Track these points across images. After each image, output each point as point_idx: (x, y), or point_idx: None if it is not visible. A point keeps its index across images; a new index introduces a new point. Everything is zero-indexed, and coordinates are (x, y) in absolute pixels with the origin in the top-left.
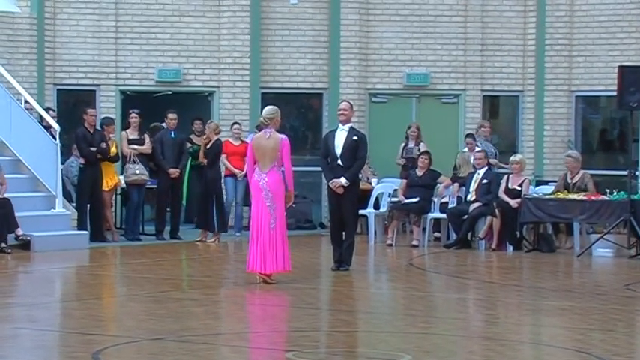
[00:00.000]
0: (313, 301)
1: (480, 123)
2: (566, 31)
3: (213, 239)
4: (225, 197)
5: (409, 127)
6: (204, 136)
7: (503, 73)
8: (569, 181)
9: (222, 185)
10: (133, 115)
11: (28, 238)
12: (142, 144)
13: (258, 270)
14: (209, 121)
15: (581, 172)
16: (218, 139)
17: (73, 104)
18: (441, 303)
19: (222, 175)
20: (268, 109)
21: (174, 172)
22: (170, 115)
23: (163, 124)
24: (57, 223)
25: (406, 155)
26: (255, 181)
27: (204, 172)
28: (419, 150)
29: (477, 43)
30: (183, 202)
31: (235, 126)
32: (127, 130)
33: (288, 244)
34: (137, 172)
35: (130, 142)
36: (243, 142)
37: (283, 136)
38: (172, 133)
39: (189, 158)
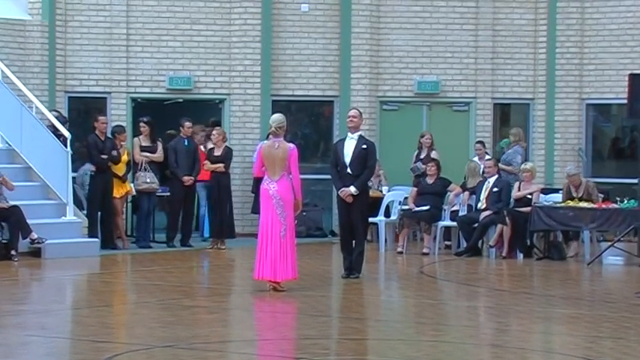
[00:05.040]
0: (323, 309)
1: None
2: (577, 39)
3: (224, 246)
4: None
5: (422, 136)
6: (211, 142)
7: (514, 81)
8: (575, 195)
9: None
10: (142, 124)
11: (44, 240)
12: (154, 151)
13: (269, 278)
14: (215, 127)
15: (583, 181)
16: (227, 146)
17: (84, 112)
18: (451, 311)
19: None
20: (277, 117)
21: (188, 179)
22: (187, 124)
23: (172, 131)
24: (68, 231)
25: (414, 173)
26: (264, 189)
27: (218, 180)
28: (425, 162)
29: (487, 51)
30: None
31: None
32: (140, 137)
33: (296, 252)
34: (148, 180)
35: (143, 149)
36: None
37: (292, 145)
38: (186, 140)
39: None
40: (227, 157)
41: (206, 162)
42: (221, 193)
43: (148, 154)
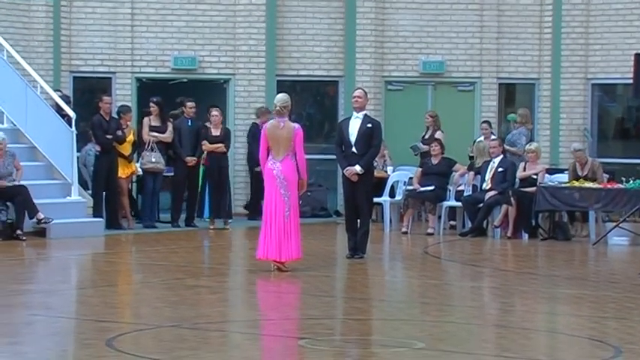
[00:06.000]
0: (327, 289)
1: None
2: (583, 19)
3: (227, 227)
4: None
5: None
6: (213, 122)
7: (519, 61)
8: (580, 174)
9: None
10: (151, 104)
11: (51, 220)
12: (164, 131)
13: (273, 258)
14: (213, 106)
15: (589, 160)
16: (228, 128)
17: (89, 92)
18: (455, 291)
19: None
20: (281, 97)
21: (191, 160)
22: (189, 104)
23: (175, 111)
24: (72, 211)
25: (414, 152)
26: (268, 169)
27: (218, 160)
28: (428, 142)
29: (493, 31)
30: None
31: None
32: (150, 117)
33: (300, 232)
34: (154, 159)
35: (152, 128)
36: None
37: (297, 125)
38: (189, 121)
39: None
40: (227, 137)
41: (204, 142)
42: (222, 173)
43: (157, 134)
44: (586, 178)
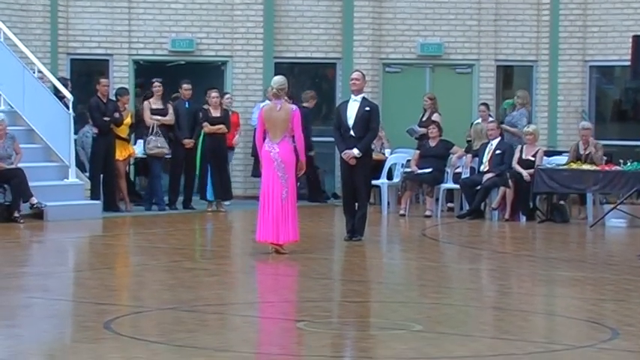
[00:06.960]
0: (325, 272)
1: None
2: (581, 1)
3: (223, 209)
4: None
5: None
6: (212, 103)
7: (517, 43)
8: (582, 152)
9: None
10: (156, 84)
11: (43, 206)
12: (165, 114)
13: (271, 240)
14: (213, 88)
15: (591, 140)
16: (226, 109)
17: (86, 74)
18: (453, 273)
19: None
20: (278, 79)
21: (189, 142)
22: (185, 86)
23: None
24: (70, 193)
25: (411, 135)
26: (266, 151)
27: (219, 141)
28: (425, 124)
29: (490, 13)
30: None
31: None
32: (151, 100)
33: (297, 214)
34: (159, 144)
35: (153, 111)
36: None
37: (294, 107)
38: (187, 103)
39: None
40: (227, 118)
41: (205, 124)
42: (222, 155)
43: (159, 118)
44: (586, 158)
